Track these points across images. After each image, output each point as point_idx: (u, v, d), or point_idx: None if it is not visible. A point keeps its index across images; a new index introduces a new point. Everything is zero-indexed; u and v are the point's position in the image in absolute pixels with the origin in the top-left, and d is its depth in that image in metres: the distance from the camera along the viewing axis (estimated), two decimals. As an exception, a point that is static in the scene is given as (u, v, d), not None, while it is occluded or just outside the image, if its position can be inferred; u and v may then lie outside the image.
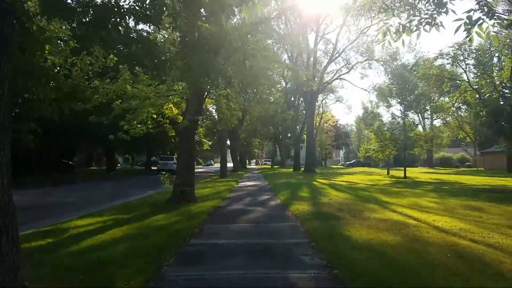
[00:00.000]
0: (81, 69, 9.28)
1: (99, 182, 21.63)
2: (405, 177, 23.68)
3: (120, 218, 7.25)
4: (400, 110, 26.30)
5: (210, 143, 46.91)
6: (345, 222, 6.60)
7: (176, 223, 6.62)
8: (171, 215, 7.54)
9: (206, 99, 10.41)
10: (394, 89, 26.36)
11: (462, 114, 48.17)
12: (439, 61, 33.08)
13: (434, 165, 54.57)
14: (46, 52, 6.43)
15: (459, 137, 51.17)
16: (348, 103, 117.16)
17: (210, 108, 36.41)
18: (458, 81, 35.61)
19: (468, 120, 50.33)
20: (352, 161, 64.90)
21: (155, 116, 9.62)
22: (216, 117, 27.20)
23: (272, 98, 36.25)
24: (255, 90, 10.69)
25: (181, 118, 9.63)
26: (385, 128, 29.54)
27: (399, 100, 26.34)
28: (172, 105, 10.09)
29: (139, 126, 9.18)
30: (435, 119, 54.99)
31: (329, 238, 5.22)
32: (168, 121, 10.00)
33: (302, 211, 7.91)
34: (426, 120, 54.48)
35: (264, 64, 8.53)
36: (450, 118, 46.25)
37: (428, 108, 32.52)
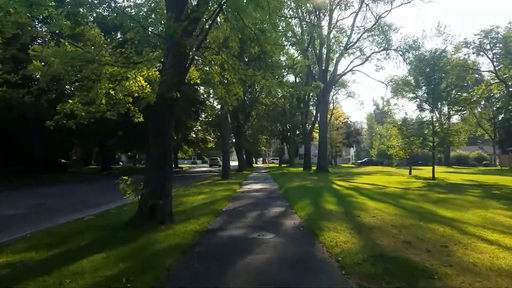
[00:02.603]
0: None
1: (86, 183, 19.00)
2: (433, 178, 20.22)
3: (18, 263, 4.00)
4: (428, 102, 22.71)
5: (215, 140, 43.90)
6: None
7: (106, 285, 3.30)
8: (114, 256, 4.16)
9: (191, 69, 7.05)
10: (421, 79, 22.78)
11: (481, 110, 44.56)
12: (464, 50, 29.61)
13: (450, 163, 51.00)
14: None
15: (477, 135, 47.40)
16: (360, 99, 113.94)
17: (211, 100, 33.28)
18: (478, 75, 32.01)
19: (486, 116, 46.54)
20: (364, 160, 61.84)
21: (112, 92, 6.33)
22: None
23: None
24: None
25: (153, 97, 6.32)
26: (410, 123, 26.02)
27: (426, 90, 22.73)
28: (141, 78, 6.82)
29: (76, 103, 5.88)
30: (453, 114, 51.36)
31: None
32: (131, 100, 6.64)
33: (346, 250, 4.43)
34: (441, 115, 50.83)
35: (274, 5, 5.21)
36: (467, 114, 42.87)
37: (449, 101, 29.08)
